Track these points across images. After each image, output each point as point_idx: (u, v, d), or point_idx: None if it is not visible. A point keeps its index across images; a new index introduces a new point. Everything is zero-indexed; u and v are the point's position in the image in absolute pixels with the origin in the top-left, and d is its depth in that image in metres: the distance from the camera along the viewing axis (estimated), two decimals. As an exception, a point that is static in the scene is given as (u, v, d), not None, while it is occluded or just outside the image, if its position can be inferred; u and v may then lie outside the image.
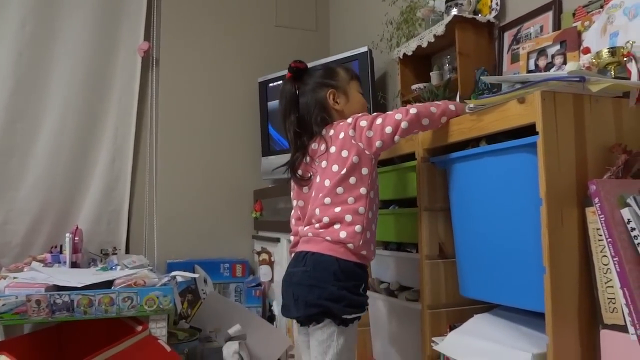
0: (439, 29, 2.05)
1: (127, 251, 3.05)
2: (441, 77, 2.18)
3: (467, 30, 1.99)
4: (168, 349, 2.04)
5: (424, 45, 2.16)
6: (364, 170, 1.49)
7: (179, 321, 2.74)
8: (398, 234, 1.87)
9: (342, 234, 1.46)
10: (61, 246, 2.66)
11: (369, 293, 1.93)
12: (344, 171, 1.49)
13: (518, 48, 1.86)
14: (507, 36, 1.97)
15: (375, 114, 1.51)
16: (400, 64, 2.37)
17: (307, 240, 1.52)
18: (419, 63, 2.39)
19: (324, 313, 1.43)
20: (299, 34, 3.47)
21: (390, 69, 2.73)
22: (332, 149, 1.53)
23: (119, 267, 2.42)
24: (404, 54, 2.31)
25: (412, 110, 1.47)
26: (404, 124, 1.46)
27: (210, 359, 2.50)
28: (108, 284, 2.10)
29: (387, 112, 1.49)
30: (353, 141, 1.49)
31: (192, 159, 3.25)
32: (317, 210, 1.52)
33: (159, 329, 2.08)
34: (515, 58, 1.89)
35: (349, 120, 1.53)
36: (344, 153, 1.50)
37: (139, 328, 2.04)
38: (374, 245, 1.55)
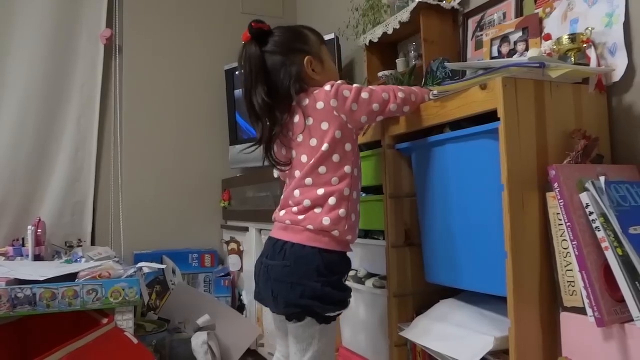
0: (404, 15, 2.05)
1: (93, 243, 2.99)
2: (407, 63, 2.18)
3: (431, 16, 1.99)
4: (135, 341, 2.01)
5: (389, 32, 2.15)
6: (347, 146, 1.38)
7: (147, 312, 2.72)
8: (365, 221, 1.86)
9: (325, 221, 1.33)
10: (23, 239, 2.60)
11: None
12: (325, 147, 1.35)
13: (482, 35, 1.86)
14: (471, 23, 1.97)
15: (356, 85, 1.39)
16: (367, 50, 2.36)
17: (285, 227, 1.38)
18: (385, 50, 2.38)
19: (306, 312, 1.31)
20: (266, 21, 3.41)
21: (357, 56, 2.72)
22: (309, 121, 1.37)
23: (83, 260, 2.38)
24: (370, 41, 2.31)
25: (400, 95, 1.42)
26: (392, 106, 1.41)
27: (179, 349, 2.48)
28: (72, 277, 2.06)
29: (371, 87, 1.41)
30: (335, 112, 1.35)
31: (158, 149, 3.20)
32: (297, 192, 1.38)
33: (125, 321, 2.05)
34: (479, 45, 1.90)
35: (327, 87, 1.36)
36: (324, 125, 1.36)
37: (105, 320, 2.00)
38: (358, 227, 1.44)
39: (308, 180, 1.37)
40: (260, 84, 1.39)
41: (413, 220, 1.66)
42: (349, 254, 1.42)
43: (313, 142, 1.37)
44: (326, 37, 2.59)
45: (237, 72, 3.01)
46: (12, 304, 1.92)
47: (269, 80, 1.40)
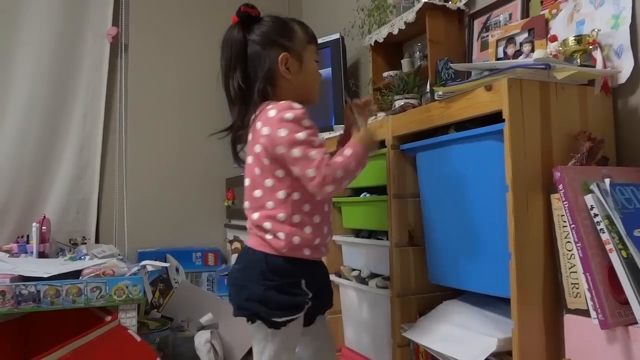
0: (410, 16, 2.04)
1: (97, 241, 3.00)
2: (412, 64, 2.18)
3: (437, 17, 1.99)
4: (138, 338, 2.02)
5: (395, 32, 2.15)
6: (279, 173, 1.24)
7: (150, 311, 2.72)
8: (369, 221, 1.87)
9: (267, 224, 1.26)
10: (28, 236, 2.61)
11: (340, 281, 1.96)
12: (257, 171, 1.27)
13: (487, 36, 1.86)
14: (477, 24, 1.97)
15: (301, 136, 1.19)
16: (372, 51, 2.36)
17: (248, 231, 1.33)
18: (391, 50, 2.38)
19: (254, 315, 1.26)
20: (271, 20, 3.42)
21: (362, 56, 2.72)
22: (250, 136, 1.30)
23: (88, 257, 2.38)
24: (375, 41, 2.30)
25: (336, 175, 1.19)
26: (311, 188, 1.20)
27: (182, 348, 2.48)
28: (76, 274, 2.06)
29: (309, 152, 1.18)
30: (262, 140, 1.24)
31: (162, 147, 3.20)
32: (246, 204, 1.33)
33: (128, 319, 2.06)
34: (484, 46, 1.90)
35: (272, 113, 1.23)
36: (257, 148, 1.26)
37: (108, 318, 2.01)
38: (321, 239, 1.30)
39: (246, 204, 1.32)
40: (238, 70, 1.31)
41: (417, 221, 1.66)
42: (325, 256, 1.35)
43: (249, 160, 1.31)
44: (331, 37, 2.61)
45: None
46: (17, 300, 1.93)
47: (246, 68, 1.31)
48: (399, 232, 1.64)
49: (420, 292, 1.64)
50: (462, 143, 1.40)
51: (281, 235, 1.24)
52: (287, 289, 1.25)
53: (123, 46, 3.14)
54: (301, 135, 1.19)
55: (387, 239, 1.71)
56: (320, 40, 2.63)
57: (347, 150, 1.26)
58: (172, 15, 3.27)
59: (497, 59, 1.75)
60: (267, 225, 1.25)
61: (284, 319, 1.24)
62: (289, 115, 1.21)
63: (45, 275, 1.99)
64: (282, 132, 1.20)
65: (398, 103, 1.79)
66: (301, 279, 1.26)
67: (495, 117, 1.26)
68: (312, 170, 1.18)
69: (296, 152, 1.19)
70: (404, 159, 1.67)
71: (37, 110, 2.90)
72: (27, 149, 2.87)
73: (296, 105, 1.24)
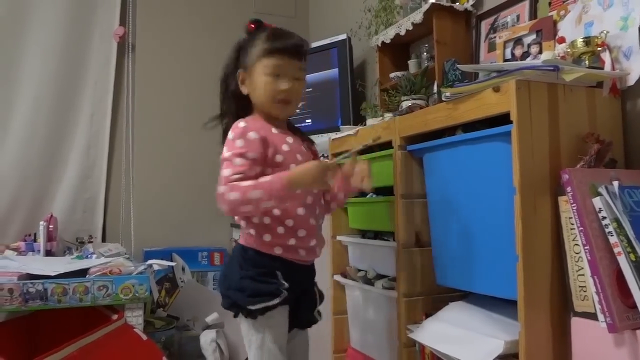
0: (417, 16, 2.04)
1: (104, 239, 3.01)
2: (419, 65, 2.18)
3: (444, 18, 1.99)
4: (144, 337, 2.03)
5: (402, 33, 2.15)
6: None
7: (156, 309, 2.73)
8: (375, 222, 1.87)
9: (242, 222, 1.37)
10: (35, 234, 2.62)
11: (346, 281, 1.97)
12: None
13: (495, 37, 1.86)
14: (485, 25, 1.97)
15: (226, 155, 1.29)
16: (379, 52, 2.36)
17: None
18: (398, 51, 2.38)
19: (233, 305, 1.32)
20: (278, 21, 3.34)
21: (369, 57, 2.72)
22: None
23: (94, 256, 2.39)
24: (382, 42, 2.30)
25: (229, 197, 1.22)
26: (220, 204, 1.25)
27: (188, 347, 2.49)
28: (83, 273, 2.07)
29: (224, 169, 1.27)
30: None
31: (169, 146, 3.21)
32: None
33: (135, 318, 2.07)
34: (492, 47, 1.89)
35: (230, 135, 1.32)
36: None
37: (115, 317, 2.02)
38: (297, 241, 1.33)
39: None
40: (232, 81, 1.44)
41: (424, 222, 1.65)
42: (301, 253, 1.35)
43: None
44: (338, 38, 2.61)
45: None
46: (24, 298, 1.94)
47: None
48: (406, 233, 1.64)
49: (427, 293, 1.64)
50: (469, 144, 1.40)
51: (252, 232, 1.33)
52: (262, 277, 1.30)
53: (130, 46, 3.15)
54: (227, 153, 1.29)
55: (394, 240, 1.71)
56: (326, 41, 2.67)
57: (265, 178, 1.24)
58: (179, 16, 3.27)
59: (505, 61, 1.74)
60: (242, 223, 1.36)
61: (258, 305, 1.28)
62: (230, 134, 1.32)
63: (53, 274, 2.00)
64: (225, 150, 1.31)
65: (405, 104, 1.79)
66: (276, 270, 1.31)
67: (502, 119, 1.26)
68: (220, 186, 1.25)
69: (222, 168, 1.28)
70: (411, 160, 1.67)
71: (45, 110, 2.91)
72: (35, 148, 2.88)
73: (241, 124, 1.31)
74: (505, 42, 1.76)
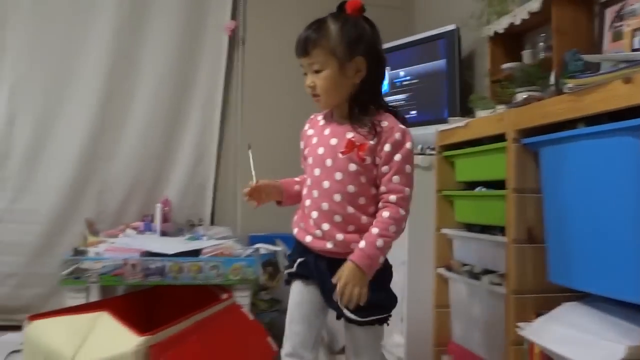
0: (534, 5, 1.96)
1: (212, 223, 3.17)
2: (534, 56, 2.09)
3: (564, 6, 1.90)
4: (251, 317, 2.12)
5: (517, 22, 2.07)
6: None
7: (259, 292, 2.84)
8: (483, 216, 1.84)
9: None
10: (152, 215, 2.81)
11: (450, 275, 1.95)
12: None
13: (621, 25, 1.75)
14: (609, 13, 1.85)
15: None
16: (490, 42, 2.30)
17: None
18: (510, 41, 2.30)
19: None
20: (382, 12, 3.37)
21: (479, 47, 2.64)
22: None
23: (205, 238, 2.53)
24: (495, 32, 2.24)
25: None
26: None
27: (289, 330, 2.56)
28: (196, 253, 2.20)
29: None
30: None
31: (277, 136, 3.30)
32: None
33: (242, 298, 2.17)
34: (617, 36, 1.78)
35: None
36: None
37: (224, 296, 2.13)
38: (304, 224, 1.44)
39: None
40: None
41: (537, 218, 1.60)
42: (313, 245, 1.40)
43: None
44: (446, 29, 2.57)
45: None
46: (145, 273, 2.10)
47: None
48: (518, 228, 1.59)
49: (538, 291, 1.58)
50: (593, 138, 1.33)
51: None
52: (290, 253, 1.52)
53: (241, 39, 3.28)
54: None
55: (503, 235, 1.67)
56: (434, 32, 2.63)
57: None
58: (289, 9, 3.34)
59: (633, 51, 1.64)
60: None
61: (285, 275, 1.49)
62: None
63: (170, 253, 2.15)
64: None
65: (520, 95, 1.73)
66: (295, 247, 1.49)
67: (628, 113, 1.19)
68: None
69: None
70: (525, 153, 1.62)
71: (161, 100, 3.09)
72: (151, 136, 3.07)
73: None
74: (634, 31, 1.65)
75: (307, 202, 1.42)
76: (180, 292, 2.27)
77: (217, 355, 1.89)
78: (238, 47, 3.28)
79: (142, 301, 2.33)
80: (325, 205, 1.35)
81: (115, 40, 3.01)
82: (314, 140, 1.43)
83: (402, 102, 2.77)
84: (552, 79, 1.83)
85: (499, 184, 1.70)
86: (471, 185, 1.94)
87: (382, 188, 1.32)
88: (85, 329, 1.67)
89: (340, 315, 1.36)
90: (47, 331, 1.72)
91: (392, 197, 1.31)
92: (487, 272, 1.79)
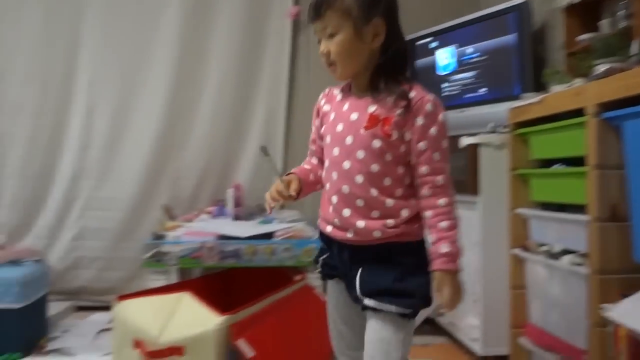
0: (613, -29, 1.86)
1: (281, 207, 3.22)
2: (614, 25, 1.98)
3: (647, -30, 1.79)
4: (323, 299, 2.15)
5: (594, -9, 1.98)
6: None
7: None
8: (562, 194, 1.78)
9: None
10: (224, 200, 2.90)
11: (527, 255, 1.92)
12: None
13: None
14: (699, -26, 1.73)
15: None
16: (565, 13, 2.20)
17: None
18: (585, 12, 2.19)
19: None
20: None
21: (551, 19, 2.54)
22: None
23: (276, 221, 2.58)
24: (569, 3, 2.14)
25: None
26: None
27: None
28: (269, 236, 2.26)
29: None
30: None
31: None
32: None
33: (315, 280, 2.20)
34: None
35: None
36: None
37: (298, 277, 2.17)
38: (323, 212, 1.31)
39: None
40: None
41: (620, 195, 1.53)
42: (326, 231, 1.30)
43: None
44: (517, 1, 2.47)
45: (417, 43, 3.00)
46: (221, 256, 2.17)
47: None
48: (600, 206, 1.53)
49: (623, 271, 1.52)
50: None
51: None
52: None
53: (303, 24, 3.29)
54: None
55: (583, 213, 1.61)
56: (503, 6, 2.54)
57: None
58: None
59: None
60: None
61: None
62: None
63: (244, 236, 2.21)
64: None
65: (601, 67, 1.65)
66: (322, 242, 1.37)
67: None
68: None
69: None
70: (607, 128, 1.55)
71: (229, 87, 3.16)
72: (221, 123, 3.15)
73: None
74: None
75: (327, 187, 1.29)
76: (255, 273, 2.34)
77: (292, 334, 1.94)
78: (301, 32, 3.29)
79: (219, 282, 2.41)
80: (345, 188, 1.22)
81: (182, 31, 3.10)
82: (332, 116, 1.30)
83: (470, 79, 2.71)
84: (635, 49, 1.74)
85: (577, 161, 1.64)
86: (546, 163, 1.88)
87: (423, 168, 1.18)
88: (169, 309, 1.76)
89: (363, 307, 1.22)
90: (134, 311, 1.82)
91: (440, 179, 1.18)
92: (567, 252, 1.73)
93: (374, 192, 1.20)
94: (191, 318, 1.71)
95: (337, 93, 1.34)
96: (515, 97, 2.23)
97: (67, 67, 3.06)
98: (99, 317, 2.76)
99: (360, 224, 1.21)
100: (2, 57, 3.02)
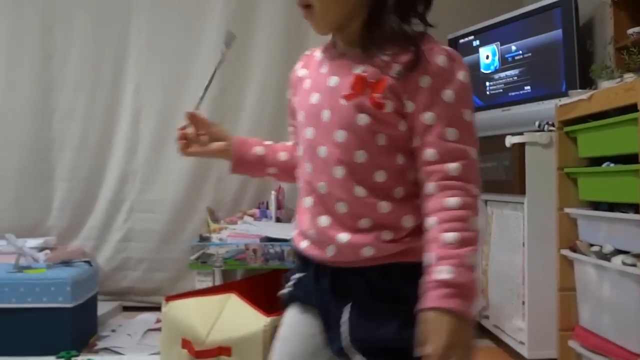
0: (665, -38, 1.80)
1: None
2: (665, 17, 1.93)
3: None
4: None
5: (644, -17, 1.92)
6: None
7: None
8: (613, 193, 1.73)
9: None
10: (266, 202, 2.93)
11: (576, 256, 1.87)
12: None
13: None
14: None
15: None
16: (613, 6, 2.14)
17: None
18: (635, 4, 2.13)
19: None
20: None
21: (598, 13, 2.47)
22: None
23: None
24: (619, -5, 2.08)
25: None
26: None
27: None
28: (311, 238, 2.27)
29: None
30: None
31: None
32: None
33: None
34: None
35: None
36: None
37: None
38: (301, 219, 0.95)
39: None
40: None
41: (677, 194, 1.48)
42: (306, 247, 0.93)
43: None
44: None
45: (461, 41, 2.96)
46: (265, 258, 2.20)
47: None
48: (654, 205, 1.49)
49: (680, 272, 1.47)
50: None
51: None
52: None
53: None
54: None
55: (636, 212, 1.56)
56: (547, 1, 2.49)
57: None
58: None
59: None
60: None
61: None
62: None
63: (288, 238, 2.23)
64: None
65: (653, 62, 1.60)
66: (296, 257, 1.03)
67: None
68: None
69: None
70: (661, 125, 1.50)
71: (269, 92, 3.15)
72: (262, 126, 3.16)
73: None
74: None
75: (300, 184, 0.94)
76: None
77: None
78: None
79: (263, 284, 2.44)
80: (322, 187, 0.86)
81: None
82: (306, 84, 0.94)
83: (514, 77, 2.66)
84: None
85: (629, 159, 1.59)
86: (596, 161, 1.83)
87: (430, 152, 0.80)
88: (216, 309, 1.79)
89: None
90: (182, 311, 1.86)
91: (453, 167, 0.79)
92: (619, 252, 1.68)
93: (359, 191, 0.84)
94: (238, 319, 1.74)
95: (318, 54, 0.96)
96: (561, 95, 2.18)
97: (115, 75, 3.15)
98: (145, 317, 2.83)
99: (343, 237, 0.84)
100: (55, 66, 3.14)
